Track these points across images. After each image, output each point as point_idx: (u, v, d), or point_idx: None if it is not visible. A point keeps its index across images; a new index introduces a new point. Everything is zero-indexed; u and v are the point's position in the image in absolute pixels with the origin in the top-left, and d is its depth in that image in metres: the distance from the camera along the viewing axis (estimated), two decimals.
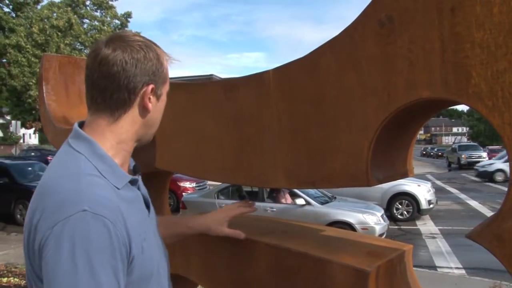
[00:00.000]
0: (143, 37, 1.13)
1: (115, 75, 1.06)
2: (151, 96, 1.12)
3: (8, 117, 33.73)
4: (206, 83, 1.77)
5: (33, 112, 27.44)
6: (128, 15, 31.94)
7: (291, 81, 1.43)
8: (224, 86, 1.66)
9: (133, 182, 1.13)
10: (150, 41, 1.14)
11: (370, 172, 1.29)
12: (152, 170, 2.23)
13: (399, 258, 1.49)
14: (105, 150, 1.08)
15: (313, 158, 1.39)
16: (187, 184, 14.66)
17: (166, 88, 1.18)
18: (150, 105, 1.12)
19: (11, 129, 31.60)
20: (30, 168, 14.24)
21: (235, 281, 1.73)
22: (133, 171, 1.19)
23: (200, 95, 1.77)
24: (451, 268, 8.53)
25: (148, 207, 1.20)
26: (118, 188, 1.05)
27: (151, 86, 1.11)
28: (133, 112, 1.11)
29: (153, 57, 1.11)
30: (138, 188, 1.17)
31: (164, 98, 1.18)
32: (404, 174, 1.47)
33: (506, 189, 1.06)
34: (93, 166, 1.04)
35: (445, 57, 1.11)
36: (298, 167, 1.43)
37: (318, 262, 1.43)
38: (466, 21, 1.06)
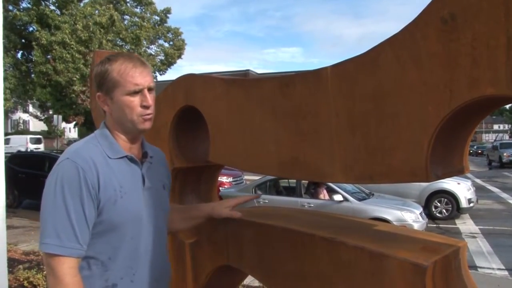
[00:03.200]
0: (111, 55, 1.60)
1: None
2: (101, 101, 1.60)
3: (50, 112, 34.75)
4: (261, 78, 1.81)
5: (74, 106, 28.20)
6: (167, 11, 32.35)
7: (349, 78, 1.45)
8: (280, 82, 1.69)
9: (131, 160, 1.60)
10: (114, 56, 1.58)
11: (429, 168, 1.30)
12: (202, 164, 2.30)
13: (454, 254, 1.50)
14: (110, 133, 1.61)
15: (372, 154, 1.41)
16: (224, 179, 14.73)
17: (120, 91, 1.54)
18: (106, 108, 1.60)
19: (54, 123, 32.54)
20: None
21: (289, 274, 1.76)
22: (143, 156, 1.67)
23: (255, 91, 1.81)
24: (493, 269, 8.32)
25: (143, 182, 1.63)
26: (110, 157, 1.55)
27: (98, 94, 1.60)
28: (106, 112, 1.63)
29: (101, 69, 1.56)
30: (141, 168, 1.63)
31: (120, 99, 1.54)
32: (460, 171, 1.47)
33: None
34: (96, 140, 1.59)
35: (510, 54, 1.11)
36: (356, 163, 1.45)
37: (374, 256, 1.45)
38: None
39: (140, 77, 1.54)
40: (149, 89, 1.56)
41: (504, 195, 17.58)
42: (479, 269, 8.22)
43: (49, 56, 26.64)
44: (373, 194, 10.81)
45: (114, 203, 1.50)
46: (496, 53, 1.13)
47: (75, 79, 25.75)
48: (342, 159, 1.49)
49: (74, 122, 33.08)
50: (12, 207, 12.58)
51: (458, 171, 1.46)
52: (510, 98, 1.20)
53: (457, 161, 1.46)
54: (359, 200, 10.09)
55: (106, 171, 1.50)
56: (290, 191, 10.88)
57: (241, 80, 1.88)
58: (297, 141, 1.63)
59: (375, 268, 1.46)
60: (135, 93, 1.53)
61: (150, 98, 1.56)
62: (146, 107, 1.55)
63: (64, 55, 25.48)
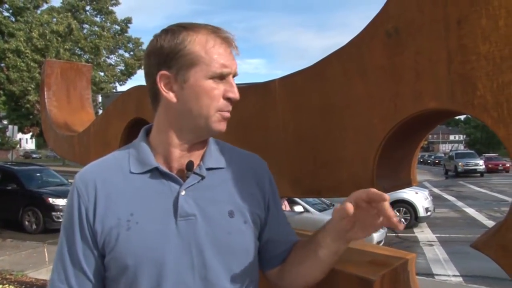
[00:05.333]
0: (186, 23, 1.12)
1: (144, 64, 1.15)
2: (165, 83, 1.09)
3: (5, 122, 33.63)
4: None
5: (31, 117, 27.42)
6: (128, 20, 32.02)
7: (297, 90, 1.44)
8: None
9: (163, 174, 1.10)
10: (192, 25, 1.11)
11: (376, 182, 1.30)
12: None
13: (402, 266, 1.50)
14: (148, 142, 1.15)
15: (319, 167, 1.40)
16: None
17: (202, 71, 1.07)
18: (170, 94, 1.09)
19: (8, 133, 31.49)
20: (38, 174, 13.92)
21: None
22: (186, 168, 1.11)
23: None
24: (448, 276, 8.52)
25: (176, 207, 1.07)
26: (132, 172, 1.10)
27: (161, 72, 1.08)
28: (163, 102, 1.12)
29: (170, 40, 1.08)
30: (181, 186, 1.09)
31: (198, 83, 1.07)
32: (408, 184, 1.48)
33: (502, 197, 1.07)
34: (128, 149, 1.16)
35: (451, 68, 1.12)
36: (304, 176, 1.44)
37: None
38: (472, 34, 1.08)
39: (231, 57, 1.12)
40: (234, 76, 1.14)
41: (459, 204, 18.13)
42: (435, 277, 8.41)
43: (2, 65, 25.81)
44: (333, 205, 10.92)
45: (117, 238, 1.05)
46: (437, 67, 1.15)
47: (30, 88, 25.03)
48: (291, 173, 1.47)
49: (30, 133, 32.12)
50: None
51: (405, 184, 1.47)
52: (452, 112, 1.22)
53: (404, 173, 1.47)
54: (320, 211, 10.17)
55: (112, 192, 1.08)
56: None
57: None
58: None
59: (322, 282, 1.44)
60: (221, 78, 1.09)
61: (236, 89, 1.12)
62: (230, 101, 1.11)
63: (18, 63, 24.74)
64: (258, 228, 1.19)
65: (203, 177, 1.12)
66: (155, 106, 1.15)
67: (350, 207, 1.00)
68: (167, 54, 1.08)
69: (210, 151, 1.18)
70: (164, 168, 1.10)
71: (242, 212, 1.14)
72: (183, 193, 1.08)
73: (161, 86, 1.09)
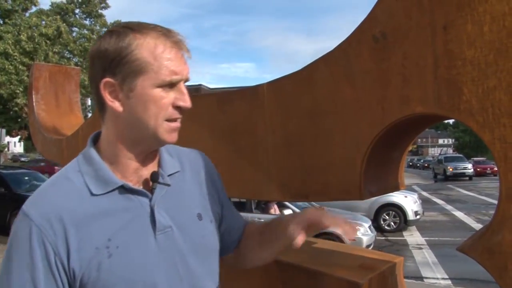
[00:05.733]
0: (134, 24, 1.02)
1: (88, 68, 1.04)
2: (109, 91, 0.99)
3: None
4: (200, 95, 1.79)
5: (19, 120, 27.15)
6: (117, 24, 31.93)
7: (285, 94, 1.45)
8: (218, 98, 1.67)
9: (130, 191, 1.02)
10: (140, 26, 1.01)
11: (363, 186, 1.31)
12: None
13: (390, 270, 1.51)
14: (98, 152, 1.04)
15: (307, 171, 1.41)
16: None
17: (150, 79, 0.98)
18: (115, 103, 1.00)
19: None
20: (26, 178, 13.75)
21: None
22: (151, 180, 1.05)
23: (194, 107, 1.78)
24: (437, 279, 8.57)
25: (154, 223, 1.02)
26: (93, 194, 0.99)
27: (105, 80, 0.98)
28: (109, 111, 1.02)
29: (115, 43, 0.98)
30: (151, 199, 1.03)
31: (146, 91, 0.98)
32: (395, 188, 1.49)
33: (491, 200, 1.08)
34: (78, 168, 1.03)
35: (438, 73, 1.13)
36: (292, 180, 1.45)
37: (311, 275, 1.44)
38: (458, 39, 1.10)
39: (180, 62, 1.01)
40: (185, 82, 1.05)
41: (448, 207, 18.26)
42: (424, 280, 8.45)
43: None
44: (323, 209, 10.94)
45: (98, 268, 0.94)
46: (424, 73, 1.16)
47: (18, 91, 24.80)
48: (279, 177, 1.48)
49: (18, 137, 31.82)
50: None
51: (393, 188, 1.48)
52: (438, 116, 1.23)
53: (392, 178, 1.48)
54: None
55: (81, 221, 0.96)
56: (241, 207, 10.82)
57: None
58: (234, 158, 1.61)
59: (311, 286, 1.44)
60: (170, 86, 1.00)
61: (188, 97, 1.03)
62: (180, 109, 1.02)
63: (6, 66, 24.51)
64: (217, 222, 1.20)
65: (168, 185, 1.07)
66: (102, 115, 1.06)
67: (300, 238, 1.12)
68: (112, 59, 0.98)
69: (164, 157, 1.13)
70: (129, 184, 1.02)
71: (207, 212, 1.15)
72: (156, 206, 1.03)
73: (106, 95, 1.00)
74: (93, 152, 1.04)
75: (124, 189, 1.01)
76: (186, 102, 1.02)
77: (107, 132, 1.05)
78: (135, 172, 1.05)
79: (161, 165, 1.10)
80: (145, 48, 0.98)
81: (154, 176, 1.05)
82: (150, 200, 1.03)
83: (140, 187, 1.04)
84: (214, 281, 1.13)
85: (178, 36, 1.03)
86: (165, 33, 1.01)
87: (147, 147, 1.05)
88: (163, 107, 0.99)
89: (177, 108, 1.02)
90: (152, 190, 1.04)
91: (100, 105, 1.04)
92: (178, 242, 1.04)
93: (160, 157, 1.12)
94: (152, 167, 1.08)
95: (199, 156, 1.26)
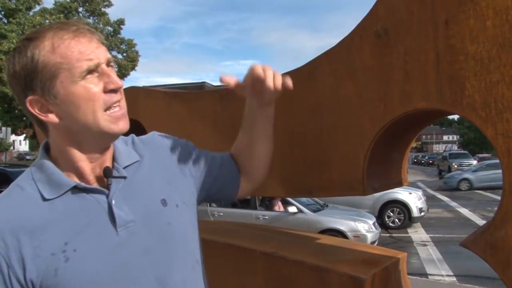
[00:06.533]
0: (31, 33, 0.99)
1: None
2: (39, 108, 0.97)
3: None
4: (203, 92, 1.79)
5: (24, 118, 27.26)
6: (121, 22, 31.99)
7: (287, 90, 1.45)
8: (221, 95, 1.68)
9: (84, 190, 0.98)
10: (37, 33, 0.97)
11: (366, 182, 1.31)
12: None
13: (394, 266, 1.51)
14: (49, 158, 1.02)
15: (310, 167, 1.41)
16: None
17: (67, 77, 0.94)
18: (49, 116, 0.97)
19: (1, 135, 31.32)
20: None
21: None
22: (104, 176, 1.01)
23: (197, 104, 1.79)
24: (442, 275, 8.56)
25: (113, 218, 0.98)
26: (46, 199, 0.96)
27: (28, 99, 0.96)
28: (49, 125, 1.00)
29: (21, 61, 0.95)
30: (108, 196, 1.00)
31: (69, 91, 0.94)
32: (398, 183, 1.49)
33: (495, 197, 1.08)
34: (31, 176, 1.00)
35: (440, 68, 1.13)
36: (295, 176, 1.45)
37: (314, 270, 1.45)
38: (460, 34, 1.09)
39: (89, 47, 0.96)
40: (109, 64, 0.99)
41: (453, 204, 18.20)
42: (429, 276, 8.44)
43: None
44: (327, 205, 10.93)
45: (56, 275, 0.91)
46: (426, 68, 1.16)
47: None
48: (282, 173, 1.48)
49: (23, 135, 31.97)
50: None
51: (396, 184, 1.48)
52: (441, 112, 1.22)
53: (394, 173, 1.48)
54: (314, 211, 10.18)
55: (35, 228, 0.93)
56: (245, 203, 10.84)
57: (183, 94, 1.86)
58: None
59: (315, 281, 1.45)
60: (91, 73, 0.95)
61: (116, 76, 0.98)
62: (114, 91, 0.97)
63: None
64: (195, 198, 1.17)
65: (124, 178, 1.03)
66: (44, 130, 1.02)
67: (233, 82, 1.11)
68: (24, 77, 0.94)
69: (118, 149, 1.08)
70: (82, 183, 0.99)
71: (171, 196, 1.09)
72: (114, 202, 0.99)
73: (36, 112, 0.96)
74: (45, 160, 1.01)
75: (78, 189, 0.98)
76: (115, 83, 0.97)
77: (55, 143, 1.02)
78: (92, 173, 1.02)
79: (115, 158, 1.06)
80: (47, 51, 0.94)
81: (107, 171, 1.01)
82: (107, 196, 0.99)
83: (95, 185, 1.01)
84: (185, 271, 1.07)
85: (77, 25, 0.98)
86: (62, 27, 0.96)
87: (99, 144, 1.02)
88: (93, 98, 0.95)
89: (110, 92, 0.97)
90: (108, 186, 1.00)
91: (39, 123, 1.01)
92: (142, 235, 1.00)
93: (114, 150, 1.07)
94: (108, 162, 1.04)
95: (156, 138, 1.19)
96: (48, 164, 1.00)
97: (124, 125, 0.99)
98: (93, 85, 0.95)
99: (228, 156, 1.28)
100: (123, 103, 1.00)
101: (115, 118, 0.97)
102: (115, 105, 0.97)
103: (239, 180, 1.26)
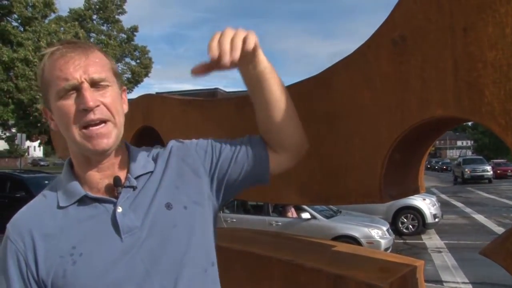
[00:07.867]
0: (47, 48, 1.09)
1: None
2: (48, 116, 1.11)
3: (14, 130, 33.84)
4: (219, 100, 1.80)
5: (38, 125, 27.56)
6: (134, 29, 32.29)
7: (304, 98, 1.45)
8: (237, 103, 1.68)
9: (93, 199, 1.06)
10: (47, 49, 1.08)
11: (383, 189, 1.30)
12: None
13: (411, 274, 1.50)
14: (71, 169, 1.12)
15: (327, 175, 1.41)
16: None
17: (51, 97, 1.04)
18: (52, 123, 1.10)
19: (16, 142, 31.69)
20: (46, 181, 13.95)
21: None
22: (114, 185, 1.08)
23: (213, 112, 1.79)
24: (457, 283, 8.45)
25: (117, 226, 1.04)
26: (61, 207, 1.06)
27: (42, 108, 1.14)
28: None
29: (38, 74, 1.10)
30: (115, 204, 1.06)
31: (54, 107, 1.05)
32: (415, 191, 1.48)
33: (511, 203, 1.07)
34: (55, 185, 1.12)
35: (458, 76, 1.13)
36: (312, 184, 1.45)
37: (331, 278, 1.44)
38: (478, 41, 1.09)
39: (71, 66, 1.01)
40: (93, 84, 1.03)
41: (468, 210, 17.99)
42: (444, 284, 8.34)
43: (11, 74, 26.01)
44: (340, 212, 10.88)
45: (64, 275, 0.99)
46: (444, 75, 1.15)
47: (38, 97, 25.17)
48: (298, 181, 1.48)
49: (38, 141, 32.32)
50: None
51: (413, 191, 1.47)
52: (459, 119, 1.22)
53: (411, 181, 1.47)
54: (327, 217, 10.13)
55: (49, 232, 1.03)
56: (258, 210, 10.83)
57: (198, 101, 1.86)
58: None
59: None
60: (67, 92, 1.01)
61: (89, 96, 1.01)
62: (85, 111, 1.01)
63: (27, 72, 24.92)
64: (210, 196, 1.19)
65: (134, 188, 1.09)
66: None
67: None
68: (40, 90, 1.10)
69: (134, 158, 1.14)
70: (92, 193, 1.07)
71: (178, 199, 1.11)
72: (119, 210, 1.05)
73: (48, 119, 1.11)
74: (67, 171, 1.11)
75: (89, 199, 1.06)
76: (84, 103, 1.01)
77: (70, 151, 1.12)
78: (101, 182, 1.09)
79: (130, 167, 1.12)
80: (45, 68, 1.05)
81: (116, 181, 1.07)
82: (115, 205, 1.05)
83: (104, 195, 1.08)
84: (194, 274, 1.08)
85: (73, 43, 1.08)
86: (61, 44, 1.07)
87: (91, 158, 1.07)
88: (67, 115, 1.02)
89: (84, 111, 1.01)
90: (117, 195, 1.07)
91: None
92: (147, 241, 1.04)
93: (130, 159, 1.14)
94: (120, 171, 1.11)
95: (169, 146, 1.23)
96: (69, 176, 1.10)
97: (99, 144, 1.03)
98: (68, 103, 1.02)
99: (251, 138, 1.28)
100: (102, 118, 1.03)
101: (88, 136, 1.02)
102: (93, 123, 1.02)
103: (267, 159, 1.23)
